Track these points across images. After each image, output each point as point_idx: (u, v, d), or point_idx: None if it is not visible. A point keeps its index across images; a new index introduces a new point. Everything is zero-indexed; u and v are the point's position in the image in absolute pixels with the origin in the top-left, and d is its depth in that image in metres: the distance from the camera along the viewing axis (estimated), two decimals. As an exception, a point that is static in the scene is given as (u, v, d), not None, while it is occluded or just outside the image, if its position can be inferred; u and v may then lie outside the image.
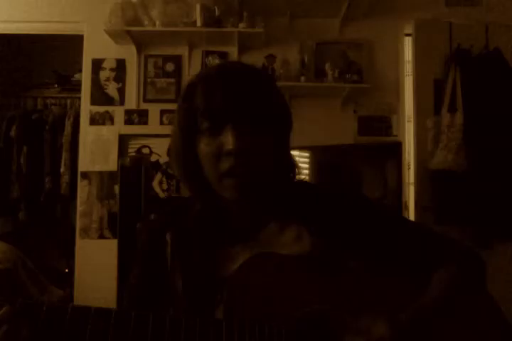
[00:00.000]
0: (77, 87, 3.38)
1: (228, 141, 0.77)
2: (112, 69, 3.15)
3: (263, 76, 0.88)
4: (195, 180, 0.85)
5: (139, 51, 3.14)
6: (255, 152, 0.79)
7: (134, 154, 3.09)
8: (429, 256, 0.86)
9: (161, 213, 0.95)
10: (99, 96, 3.14)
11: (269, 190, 0.84)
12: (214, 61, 3.06)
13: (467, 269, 0.85)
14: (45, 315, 0.67)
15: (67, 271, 3.44)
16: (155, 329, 0.68)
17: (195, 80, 0.84)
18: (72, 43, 3.25)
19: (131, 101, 3.13)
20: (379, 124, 3.12)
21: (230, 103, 0.78)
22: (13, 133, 3.51)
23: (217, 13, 2.92)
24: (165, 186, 3.05)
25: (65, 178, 3.40)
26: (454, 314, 0.78)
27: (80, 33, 3.15)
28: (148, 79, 3.15)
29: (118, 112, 3.12)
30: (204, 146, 0.81)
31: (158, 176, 3.06)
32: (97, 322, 0.67)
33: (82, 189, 3.09)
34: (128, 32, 2.96)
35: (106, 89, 3.14)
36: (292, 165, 0.89)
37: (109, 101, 3.14)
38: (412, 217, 2.82)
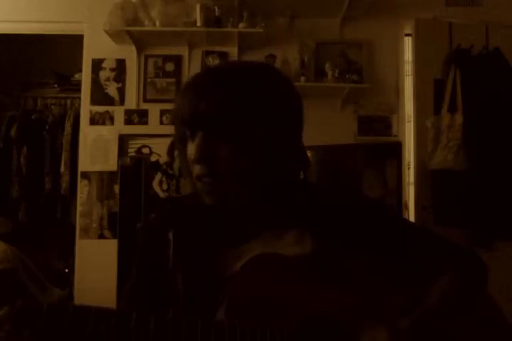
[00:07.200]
0: (77, 87, 3.38)
1: (192, 149, 0.77)
2: (112, 69, 3.15)
3: (254, 77, 0.80)
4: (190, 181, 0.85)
5: (139, 51, 3.14)
6: (230, 159, 0.76)
7: (134, 154, 3.09)
8: (429, 259, 0.85)
9: (162, 211, 0.93)
10: (99, 96, 3.13)
11: (265, 192, 0.83)
12: (214, 61, 3.07)
13: (468, 273, 0.84)
14: (46, 316, 0.67)
15: (67, 271, 3.44)
16: (156, 330, 0.68)
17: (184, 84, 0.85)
18: (72, 43, 3.25)
19: (131, 101, 3.13)
20: (379, 124, 3.12)
21: (200, 110, 0.76)
22: (13, 133, 3.52)
23: (217, 13, 2.92)
24: (165, 186, 3.05)
25: (65, 178, 3.40)
26: (454, 318, 0.78)
27: (80, 33, 3.15)
28: (148, 79, 3.15)
29: (118, 112, 3.12)
30: (186, 151, 0.81)
31: (158, 176, 3.05)
32: (98, 323, 0.67)
33: (82, 189, 3.09)
34: (128, 32, 2.96)
35: (106, 89, 3.14)
36: (291, 166, 0.86)
37: (109, 101, 3.13)
38: (412, 217, 2.82)
